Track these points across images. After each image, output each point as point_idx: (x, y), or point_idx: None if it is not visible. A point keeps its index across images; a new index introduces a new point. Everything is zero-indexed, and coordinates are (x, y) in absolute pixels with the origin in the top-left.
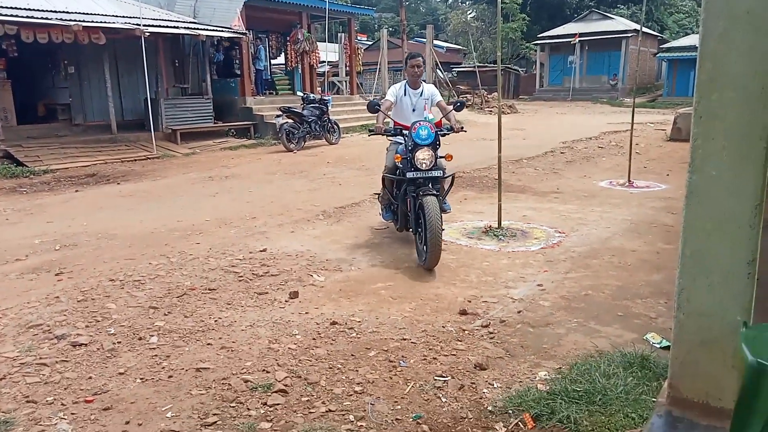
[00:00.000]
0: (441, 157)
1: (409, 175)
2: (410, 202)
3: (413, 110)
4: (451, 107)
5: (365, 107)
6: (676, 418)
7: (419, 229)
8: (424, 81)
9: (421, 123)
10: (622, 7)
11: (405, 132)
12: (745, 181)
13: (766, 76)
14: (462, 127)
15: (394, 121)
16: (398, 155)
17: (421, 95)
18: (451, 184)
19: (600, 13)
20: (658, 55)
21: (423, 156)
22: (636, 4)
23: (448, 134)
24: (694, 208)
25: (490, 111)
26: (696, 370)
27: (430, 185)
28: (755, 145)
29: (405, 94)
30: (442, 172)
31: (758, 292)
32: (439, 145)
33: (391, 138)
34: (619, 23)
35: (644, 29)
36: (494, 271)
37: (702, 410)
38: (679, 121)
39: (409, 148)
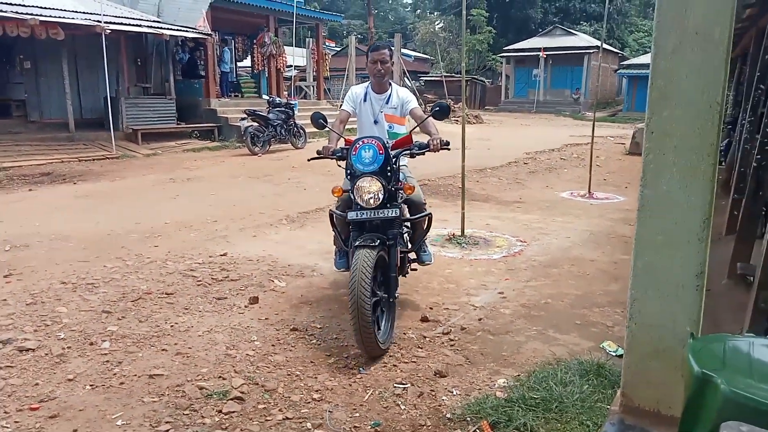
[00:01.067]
0: (400, 190)
1: (351, 216)
2: (351, 255)
3: (375, 122)
4: (428, 114)
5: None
6: (628, 426)
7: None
8: (393, 83)
9: (365, 141)
10: (585, 24)
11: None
12: (694, 196)
13: (714, 93)
14: (445, 142)
15: (346, 140)
16: (338, 188)
17: (387, 102)
18: (428, 227)
19: (564, 29)
20: (618, 72)
21: (365, 189)
22: (598, 21)
23: (421, 154)
24: (645, 222)
25: (457, 120)
26: (648, 378)
27: (380, 231)
28: (703, 161)
29: (365, 100)
30: (396, 211)
31: (710, 304)
32: (394, 171)
33: (341, 163)
34: (581, 39)
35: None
36: (456, 279)
37: (653, 418)
38: (638, 135)
39: (350, 177)
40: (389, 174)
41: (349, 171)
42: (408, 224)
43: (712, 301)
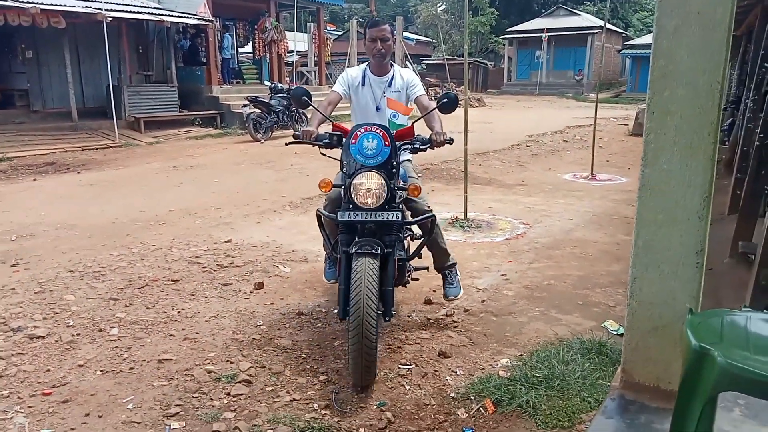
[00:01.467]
0: (401, 189)
1: (342, 216)
2: (341, 263)
3: (377, 108)
4: (434, 108)
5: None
6: (628, 401)
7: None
8: (395, 64)
9: (369, 128)
10: (589, 3)
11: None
12: (694, 174)
13: (715, 74)
14: (449, 139)
15: (334, 124)
16: (326, 181)
17: (389, 84)
18: (431, 231)
19: (567, 9)
20: (622, 52)
21: (364, 185)
22: (602, 1)
23: (423, 149)
24: (646, 201)
25: (459, 103)
26: (647, 355)
27: (376, 237)
28: (704, 140)
29: (364, 84)
30: (397, 214)
31: (712, 282)
32: (396, 167)
33: (325, 150)
34: (585, 20)
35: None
36: (459, 261)
37: (653, 393)
38: (641, 116)
39: (346, 170)
40: (393, 170)
41: (344, 162)
42: (408, 228)
43: (714, 279)
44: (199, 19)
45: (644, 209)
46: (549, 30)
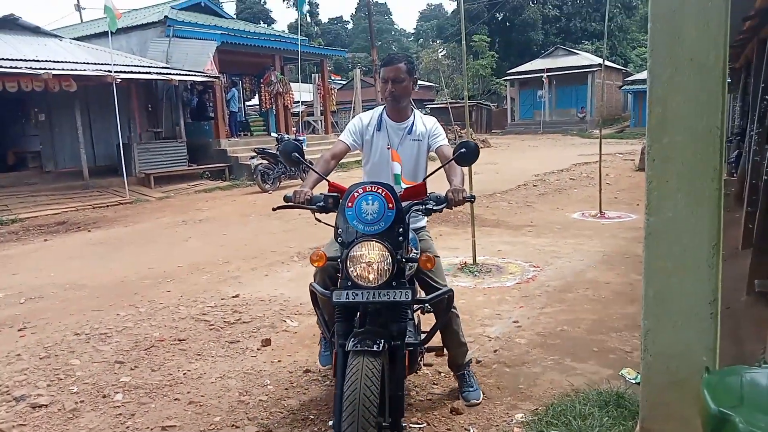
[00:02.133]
0: (412, 261)
1: (338, 297)
2: (337, 359)
3: (388, 162)
4: (449, 160)
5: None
6: None
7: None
8: (417, 110)
9: (368, 188)
10: (587, 42)
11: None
12: (701, 221)
13: (713, 118)
14: (469, 197)
15: (330, 184)
16: (319, 254)
17: (409, 132)
18: (447, 311)
19: (565, 49)
20: (623, 88)
21: (365, 257)
22: (600, 39)
23: (438, 210)
24: (653, 249)
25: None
26: (666, 411)
27: (381, 320)
28: (708, 186)
29: (380, 129)
30: (407, 293)
31: (731, 322)
32: (407, 234)
33: (320, 215)
34: (584, 58)
35: (608, 63)
36: (470, 309)
37: None
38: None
39: (342, 239)
40: (400, 238)
41: (340, 231)
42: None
43: (733, 319)
44: (206, 76)
45: (652, 258)
46: (549, 70)
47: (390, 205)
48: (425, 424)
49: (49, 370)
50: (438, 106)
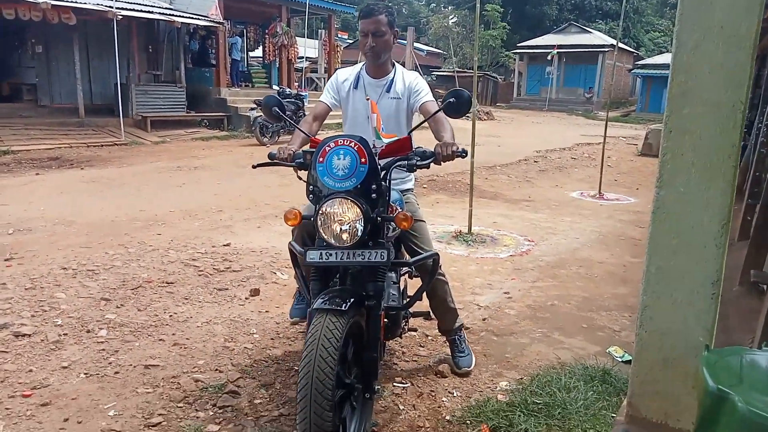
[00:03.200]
0: (388, 220)
1: (311, 258)
2: (308, 318)
3: (368, 117)
4: (437, 111)
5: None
6: None
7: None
8: (398, 65)
9: (340, 142)
10: (601, 22)
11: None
12: (713, 198)
13: (738, 92)
14: (460, 151)
15: (312, 139)
16: (294, 212)
17: (388, 89)
18: (431, 275)
19: (579, 26)
20: (633, 71)
21: (334, 216)
22: (614, 19)
23: (424, 166)
24: (660, 224)
25: (468, 116)
26: (656, 389)
27: (359, 282)
28: (724, 162)
29: (356, 86)
30: (382, 254)
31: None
32: (383, 191)
33: (301, 173)
34: (596, 37)
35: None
36: (462, 277)
37: (660, 430)
38: (650, 136)
39: (313, 196)
40: (374, 195)
41: (311, 187)
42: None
43: (723, 307)
44: (210, 21)
45: (658, 233)
46: (560, 46)
47: (363, 160)
48: (409, 384)
49: (34, 301)
50: (444, 73)
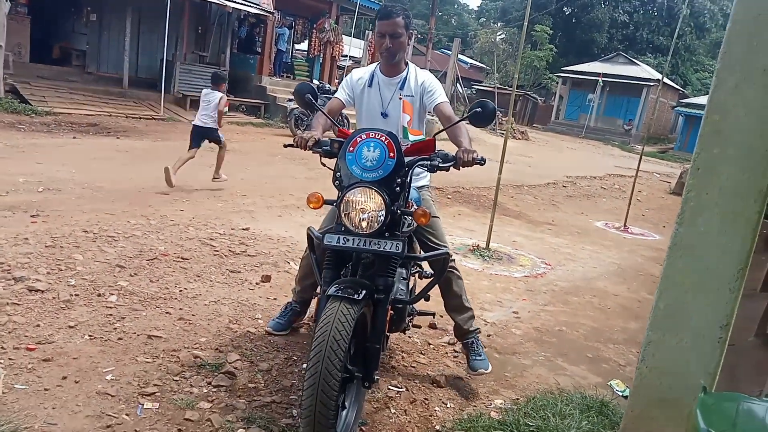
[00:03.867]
0: (407, 215)
1: (329, 241)
2: (319, 305)
3: (384, 115)
4: (462, 119)
5: None
6: None
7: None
8: (412, 64)
9: (372, 134)
10: (650, 55)
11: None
12: (733, 241)
13: None
14: (479, 159)
15: (339, 129)
16: (317, 195)
17: (402, 87)
18: (441, 272)
19: (626, 57)
20: (676, 109)
21: (358, 204)
22: (664, 54)
23: (445, 168)
24: (675, 261)
25: (503, 133)
26: (650, 427)
27: (371, 272)
28: (749, 207)
29: (371, 85)
30: (398, 245)
31: (732, 360)
32: (405, 186)
33: (326, 159)
34: (643, 70)
35: (667, 81)
36: (473, 291)
37: None
38: (685, 176)
39: (339, 183)
40: (397, 189)
41: (338, 175)
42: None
43: (735, 356)
44: (261, 9)
45: (672, 270)
46: (605, 75)
47: (391, 154)
48: (404, 389)
49: (51, 259)
50: (485, 88)
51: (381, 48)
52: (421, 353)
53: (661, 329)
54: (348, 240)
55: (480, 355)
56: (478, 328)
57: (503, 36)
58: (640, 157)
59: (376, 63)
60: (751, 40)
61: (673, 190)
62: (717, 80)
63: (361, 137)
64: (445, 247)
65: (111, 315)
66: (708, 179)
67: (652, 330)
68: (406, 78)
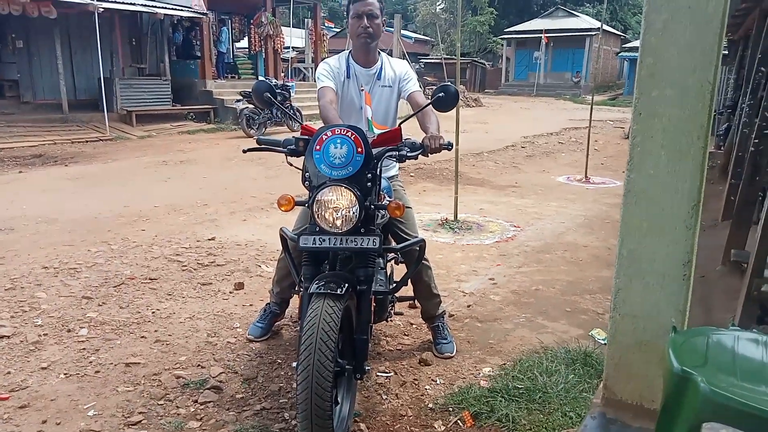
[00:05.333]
0: (381, 208)
1: (305, 243)
2: (302, 303)
3: (362, 108)
4: (426, 105)
5: None
6: (610, 420)
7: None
8: (384, 52)
9: (337, 131)
10: (588, 5)
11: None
12: (682, 180)
13: (705, 73)
14: (446, 144)
15: (303, 126)
16: (287, 197)
17: (378, 77)
18: (418, 261)
19: (566, 10)
20: (620, 55)
21: (330, 203)
22: (601, 2)
23: (413, 157)
24: (631, 207)
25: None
26: (630, 371)
27: (349, 267)
28: (693, 144)
29: (349, 77)
30: (374, 240)
31: (703, 290)
32: (376, 180)
33: (292, 158)
34: (583, 21)
35: (607, 28)
36: (447, 264)
37: (635, 412)
38: None
39: (309, 183)
40: (368, 184)
41: (307, 174)
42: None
43: (706, 287)
44: (194, 12)
45: (629, 216)
46: (548, 31)
47: (359, 150)
48: (393, 373)
49: (13, 302)
50: (432, 61)
51: (358, 30)
52: (405, 334)
53: (627, 275)
54: (324, 240)
55: (446, 339)
56: (444, 311)
57: (443, 5)
58: (591, 108)
59: (347, 52)
60: None
61: (627, 135)
62: (645, 23)
63: (326, 134)
64: (418, 236)
65: (84, 349)
66: (651, 122)
67: (619, 277)
68: (382, 67)
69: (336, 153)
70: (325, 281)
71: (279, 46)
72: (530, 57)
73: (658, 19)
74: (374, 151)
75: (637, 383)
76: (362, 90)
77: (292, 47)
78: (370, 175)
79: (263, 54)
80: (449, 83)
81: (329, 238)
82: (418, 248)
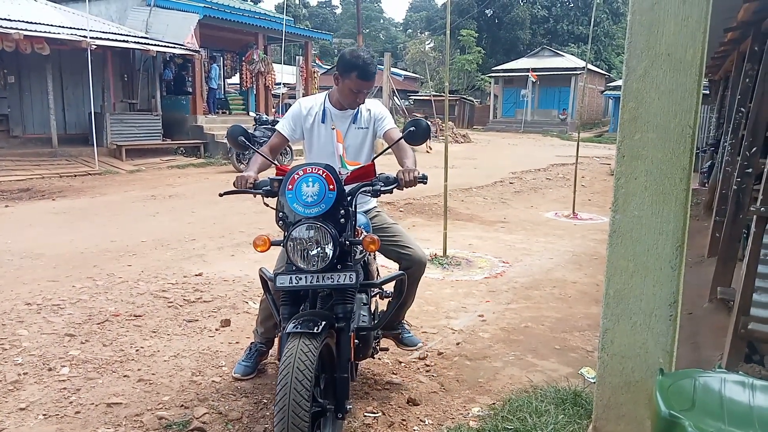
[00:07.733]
0: (356, 244)
1: (281, 282)
2: (281, 343)
3: (334, 151)
4: (398, 139)
5: None
6: None
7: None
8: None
9: (309, 170)
10: (573, 45)
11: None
12: (666, 221)
13: (686, 117)
14: (421, 176)
15: (278, 168)
16: (263, 238)
17: (354, 120)
18: (402, 293)
19: (551, 50)
20: (605, 93)
21: (304, 241)
22: (586, 43)
23: (388, 191)
24: (617, 248)
25: (441, 138)
26: (619, 412)
27: (329, 304)
28: (676, 186)
29: (324, 120)
30: (351, 276)
31: (691, 327)
32: (350, 216)
33: (267, 201)
34: (569, 60)
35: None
36: (436, 301)
37: None
38: None
39: (282, 222)
40: (342, 220)
41: (281, 214)
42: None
43: (694, 324)
44: (186, 49)
45: (615, 256)
46: (534, 70)
47: (331, 187)
48: (380, 414)
49: None
50: (421, 97)
51: (350, 98)
52: (393, 373)
53: (615, 315)
54: (300, 279)
55: (408, 332)
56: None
57: (432, 44)
58: (578, 144)
59: (325, 94)
60: (652, 28)
61: (613, 172)
62: (627, 69)
63: (298, 173)
64: (414, 248)
65: (65, 389)
66: (634, 164)
67: (606, 317)
68: (358, 111)
69: (308, 191)
70: (302, 320)
71: (270, 82)
72: (517, 95)
73: (639, 66)
74: (348, 187)
75: (626, 424)
76: (333, 128)
77: (284, 83)
78: (343, 211)
79: (254, 90)
80: (420, 118)
81: (305, 276)
82: (399, 281)
